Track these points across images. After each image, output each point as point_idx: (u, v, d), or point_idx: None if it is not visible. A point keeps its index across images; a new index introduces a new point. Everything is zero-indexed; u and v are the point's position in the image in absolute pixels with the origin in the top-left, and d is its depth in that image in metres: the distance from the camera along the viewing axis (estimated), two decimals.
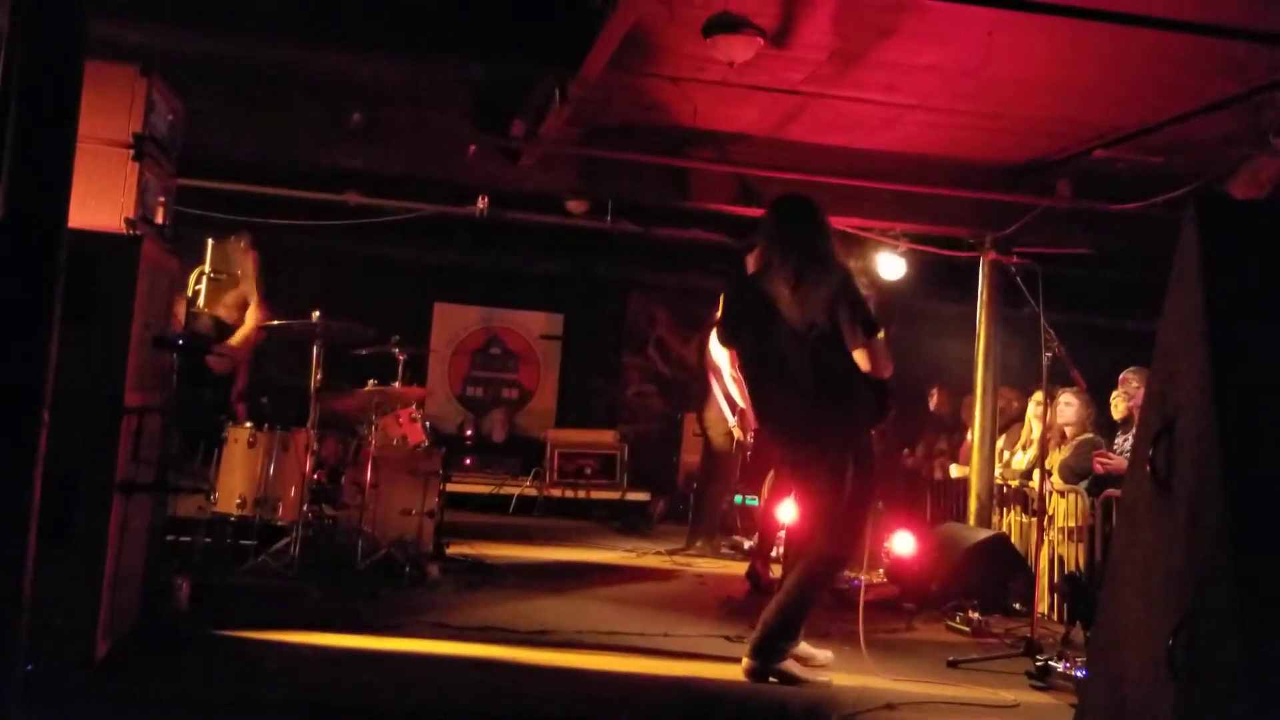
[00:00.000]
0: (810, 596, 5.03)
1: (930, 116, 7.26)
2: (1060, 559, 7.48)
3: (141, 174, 4.43)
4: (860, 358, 4.92)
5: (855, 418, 5.02)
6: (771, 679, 4.90)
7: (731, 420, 8.70)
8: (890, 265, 9.08)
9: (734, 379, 8.51)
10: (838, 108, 7.20)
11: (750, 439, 8.69)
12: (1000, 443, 9.06)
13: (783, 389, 5.08)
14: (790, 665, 4.94)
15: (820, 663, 5.15)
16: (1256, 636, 2.52)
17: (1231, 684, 2.54)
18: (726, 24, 5.74)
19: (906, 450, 10.83)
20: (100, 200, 4.29)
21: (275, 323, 6.95)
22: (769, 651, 4.92)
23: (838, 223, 9.05)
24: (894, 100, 6.98)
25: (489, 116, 7.90)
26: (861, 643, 5.26)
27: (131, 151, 4.40)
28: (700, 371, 9.21)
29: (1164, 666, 2.74)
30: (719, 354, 8.60)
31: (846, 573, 7.54)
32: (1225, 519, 2.61)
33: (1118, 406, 7.81)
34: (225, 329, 7.23)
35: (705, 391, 8.99)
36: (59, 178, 2.58)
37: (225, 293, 7.50)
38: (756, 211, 8.84)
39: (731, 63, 5.97)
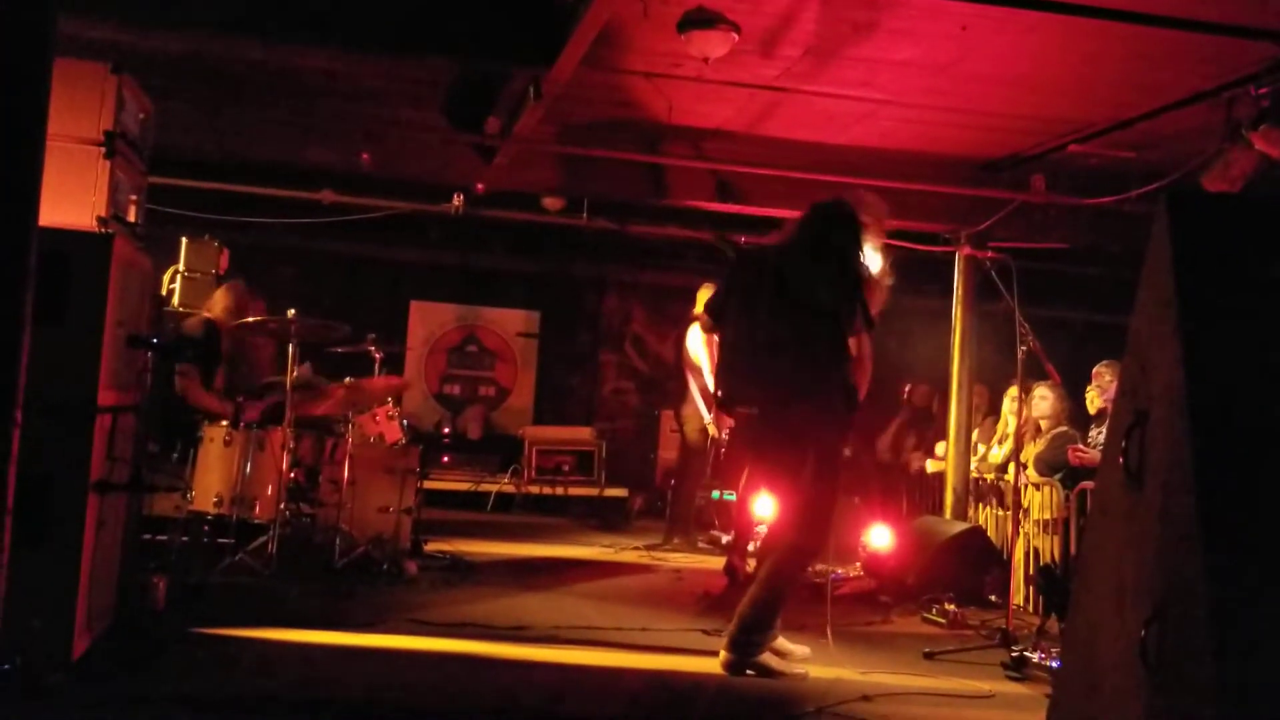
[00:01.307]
0: (782, 589, 5.04)
1: (905, 112, 7.29)
2: (1035, 551, 7.52)
3: (113, 172, 4.40)
4: (854, 345, 5.01)
5: (823, 413, 5.04)
6: (749, 671, 4.92)
7: (708, 416, 8.72)
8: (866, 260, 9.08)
9: (711, 372, 8.54)
10: (813, 103, 7.21)
11: (726, 435, 8.72)
12: (974, 436, 9.10)
13: (759, 374, 5.13)
14: (767, 658, 4.96)
15: (798, 657, 5.17)
16: (1227, 628, 2.55)
17: (1203, 675, 2.56)
18: (701, 20, 5.75)
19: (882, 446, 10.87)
20: (72, 198, 4.25)
21: (250, 319, 6.91)
22: (745, 645, 4.94)
23: None
24: (869, 96, 7.01)
25: (464, 113, 7.89)
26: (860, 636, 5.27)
27: (103, 149, 4.36)
28: (677, 368, 9.23)
29: (1137, 657, 2.76)
30: (698, 351, 8.63)
31: (823, 566, 7.61)
32: (1195, 511, 2.63)
33: (1093, 400, 7.85)
34: (215, 334, 7.19)
35: (682, 388, 9.01)
36: (29, 175, 2.57)
37: (207, 292, 7.47)
38: (732, 208, 8.88)
39: (706, 59, 5.97)
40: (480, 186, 8.58)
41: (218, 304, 7.31)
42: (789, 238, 5.34)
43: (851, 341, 5.02)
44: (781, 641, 5.14)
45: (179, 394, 6.82)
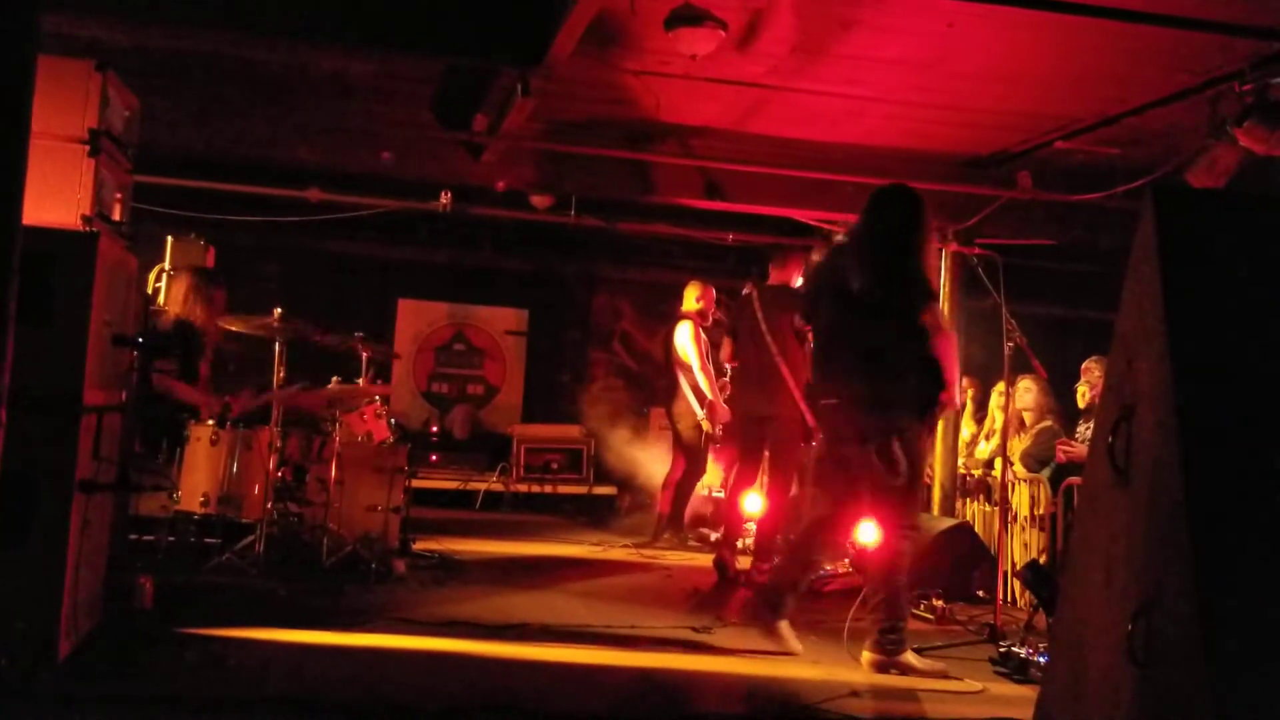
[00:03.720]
0: (898, 577, 5.14)
1: (892, 109, 7.30)
2: (1024, 546, 7.54)
3: (97, 170, 4.37)
4: (928, 319, 5.06)
5: (900, 401, 5.08)
6: (893, 670, 5.00)
7: (700, 413, 8.72)
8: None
9: (703, 371, 8.54)
10: (800, 101, 7.22)
11: (719, 431, 8.73)
12: (968, 434, 9.12)
13: (833, 373, 5.26)
14: (909, 656, 5.07)
15: (793, 650, 5.19)
16: (1214, 621, 2.55)
17: (1190, 668, 2.57)
18: (688, 17, 5.75)
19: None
20: (56, 197, 4.23)
21: (235, 327, 6.88)
22: (888, 644, 5.05)
23: (800, 215, 9.14)
24: (856, 93, 7.01)
25: (451, 111, 7.88)
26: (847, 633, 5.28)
27: (87, 147, 4.34)
28: (667, 366, 9.22)
29: (1125, 651, 2.77)
30: (687, 348, 8.64)
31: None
32: (1182, 505, 2.64)
33: (1083, 395, 7.87)
34: (189, 329, 7.14)
35: (672, 385, 9.01)
36: (12, 174, 2.55)
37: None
38: (720, 205, 8.88)
39: (694, 56, 5.98)
40: (501, 185, 8.58)
41: (173, 298, 7.23)
42: (850, 229, 5.41)
43: (930, 316, 5.05)
44: (784, 626, 5.17)
45: (161, 392, 6.77)
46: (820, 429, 5.50)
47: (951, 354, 5.13)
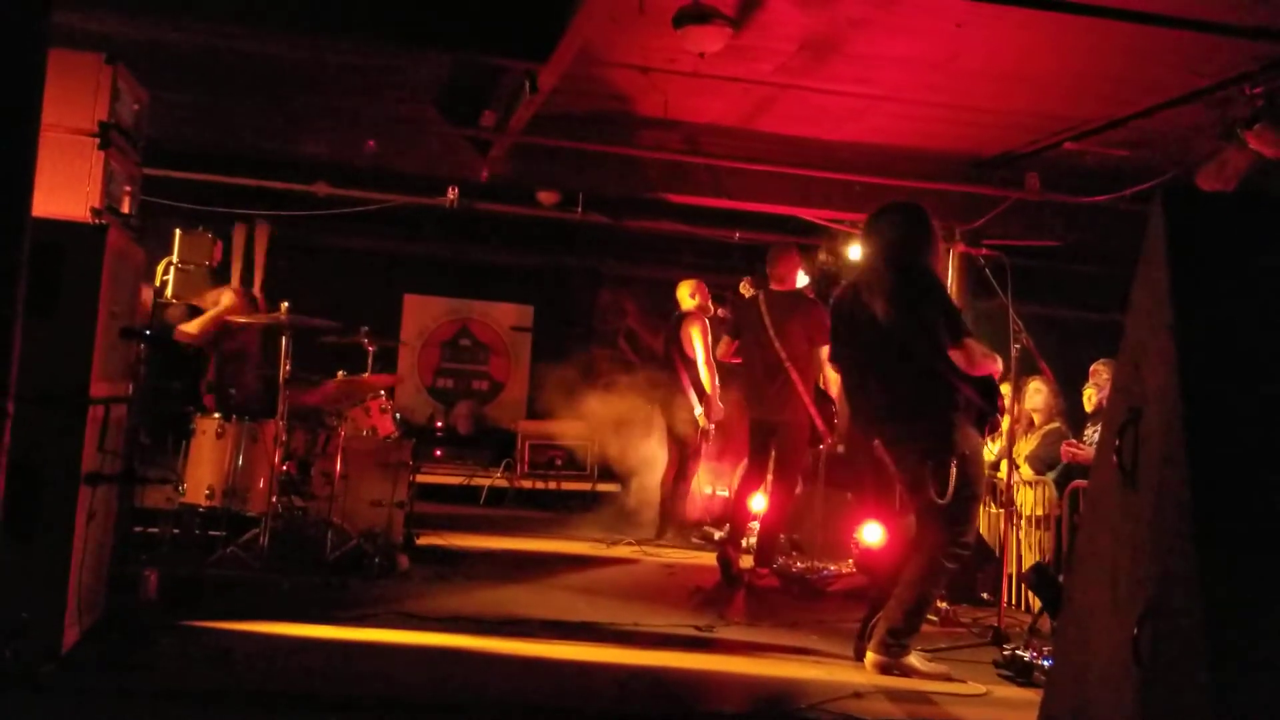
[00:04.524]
0: (928, 591, 5.09)
1: (900, 108, 7.29)
2: (1030, 548, 7.52)
3: (107, 163, 4.38)
4: (957, 359, 4.96)
5: (946, 417, 5.02)
6: (895, 672, 4.95)
7: (698, 409, 8.72)
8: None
9: (707, 365, 8.54)
10: (808, 99, 7.21)
11: (712, 426, 8.73)
12: None
13: (878, 394, 5.17)
14: (911, 659, 5.01)
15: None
16: (1219, 625, 2.55)
17: (1196, 673, 2.56)
18: (697, 15, 5.76)
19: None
20: (65, 189, 4.24)
21: (242, 320, 6.89)
22: (892, 647, 4.98)
23: (807, 214, 9.13)
24: (864, 92, 7.01)
25: (459, 107, 7.89)
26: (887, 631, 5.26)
27: (97, 140, 4.35)
28: (667, 363, 9.21)
29: (1129, 654, 2.77)
30: (697, 343, 8.63)
31: (817, 563, 7.61)
32: (1188, 508, 2.63)
33: (1090, 398, 7.85)
34: (197, 312, 7.16)
35: (672, 382, 9.00)
36: (23, 166, 2.56)
37: (201, 284, 7.43)
38: (726, 203, 8.88)
39: (702, 54, 5.98)
40: (484, 174, 8.60)
41: (221, 304, 7.27)
42: (863, 258, 5.35)
43: (955, 355, 4.94)
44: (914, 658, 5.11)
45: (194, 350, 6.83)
46: (881, 456, 5.37)
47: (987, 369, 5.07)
